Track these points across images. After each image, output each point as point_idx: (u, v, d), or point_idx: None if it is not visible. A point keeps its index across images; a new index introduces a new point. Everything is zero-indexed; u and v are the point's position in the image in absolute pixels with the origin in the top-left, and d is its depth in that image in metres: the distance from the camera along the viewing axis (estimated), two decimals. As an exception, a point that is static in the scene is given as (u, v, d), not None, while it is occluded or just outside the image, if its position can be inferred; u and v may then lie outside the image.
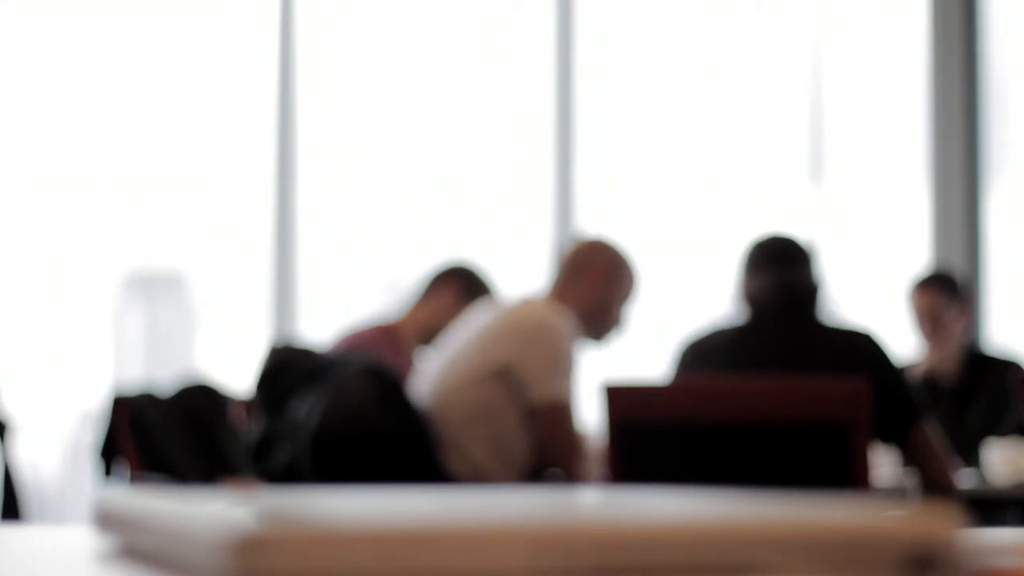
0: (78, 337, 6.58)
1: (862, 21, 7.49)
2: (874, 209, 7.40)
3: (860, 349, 3.55)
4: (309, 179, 6.79)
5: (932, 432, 3.63)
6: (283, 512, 0.57)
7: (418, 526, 0.55)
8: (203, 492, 0.73)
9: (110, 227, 6.61)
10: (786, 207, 7.23)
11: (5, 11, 6.58)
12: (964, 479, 4.20)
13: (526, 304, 4.09)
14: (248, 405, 4.19)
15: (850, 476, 3.21)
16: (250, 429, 4.07)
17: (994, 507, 4.41)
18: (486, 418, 3.99)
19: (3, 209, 6.51)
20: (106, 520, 0.74)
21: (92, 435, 4.47)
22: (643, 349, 5.68)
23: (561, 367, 3.98)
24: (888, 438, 3.58)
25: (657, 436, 3.34)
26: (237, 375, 4.66)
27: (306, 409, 3.83)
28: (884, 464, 3.88)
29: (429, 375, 4.12)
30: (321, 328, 5.99)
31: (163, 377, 5.02)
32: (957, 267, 6.68)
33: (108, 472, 4.25)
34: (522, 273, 6.43)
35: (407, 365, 4.47)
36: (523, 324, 4.01)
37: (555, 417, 3.98)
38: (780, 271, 3.67)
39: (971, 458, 4.69)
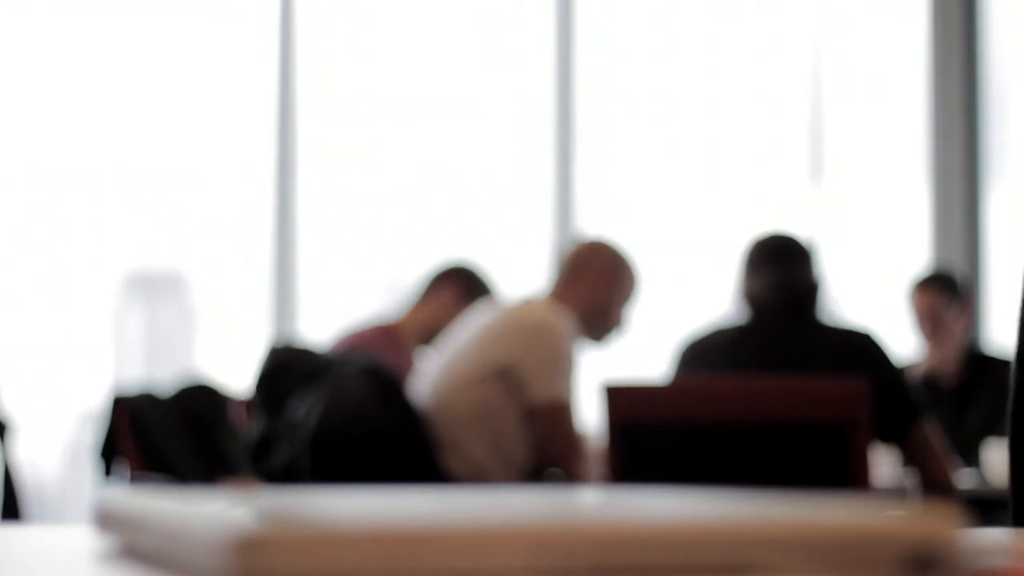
0: (78, 337, 6.58)
1: (862, 21, 7.49)
2: (874, 209, 7.40)
3: (860, 349, 3.55)
4: (309, 179, 6.79)
5: (932, 432, 3.63)
6: (283, 512, 0.57)
7: (418, 526, 0.55)
8: (203, 492, 0.73)
9: (110, 227, 6.61)
10: (786, 207, 7.23)
11: (5, 11, 6.58)
12: (964, 479, 4.20)
13: (526, 304, 4.09)
14: (248, 405, 4.19)
15: (850, 476, 3.21)
16: (250, 429, 4.07)
17: (994, 507, 4.41)
18: (486, 418, 3.99)
19: (3, 209, 6.51)
20: (106, 520, 0.74)
21: (92, 435, 4.47)
22: (643, 349, 5.68)
23: (561, 367, 3.98)
24: (888, 438, 3.58)
25: (657, 436, 3.34)
26: (237, 375, 4.66)
27: (305, 409, 3.83)
28: (884, 464, 3.88)
29: (429, 375, 4.12)
30: (321, 328, 5.99)
31: (163, 377, 5.02)
32: (957, 267, 6.68)
33: (108, 472, 4.25)
34: (522, 273, 6.42)
35: (407, 365, 4.47)
36: (523, 324, 4.01)
37: (555, 417, 3.98)
38: (780, 270, 3.67)
39: (971, 458, 4.69)
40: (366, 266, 6.85)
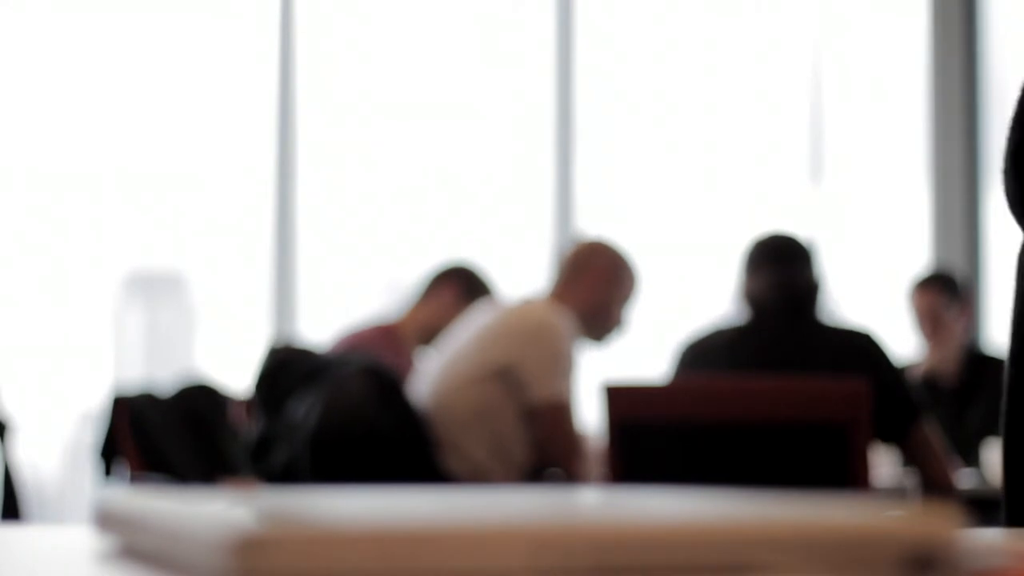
0: (78, 337, 6.58)
1: (862, 21, 7.49)
2: (874, 209, 7.40)
3: (860, 349, 3.55)
4: (309, 179, 6.79)
5: (932, 432, 3.63)
6: (283, 512, 0.57)
7: (418, 526, 0.55)
8: (203, 492, 0.73)
9: (110, 227, 6.61)
10: (786, 207, 7.23)
11: (5, 11, 6.58)
12: (964, 479, 4.20)
13: (526, 304, 4.09)
14: (248, 405, 4.19)
15: (850, 476, 3.21)
16: (249, 429, 4.07)
17: (994, 507, 4.40)
18: (486, 418, 3.99)
19: (3, 209, 6.51)
20: (106, 520, 0.74)
21: (92, 435, 4.47)
22: (643, 349, 5.68)
23: (561, 367, 3.98)
24: (888, 438, 3.58)
25: (657, 436, 3.34)
26: (237, 375, 4.66)
27: (305, 409, 3.83)
28: (884, 464, 3.88)
29: (429, 375, 4.12)
30: (321, 328, 5.99)
31: (163, 377, 5.02)
32: (957, 267, 6.68)
33: (108, 472, 4.25)
34: (522, 273, 6.42)
35: (407, 365, 4.47)
36: (523, 324, 4.01)
37: (555, 417, 3.98)
38: (780, 270, 3.67)
39: (971, 458, 4.69)
40: (366, 266, 6.85)
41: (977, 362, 5.24)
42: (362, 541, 0.54)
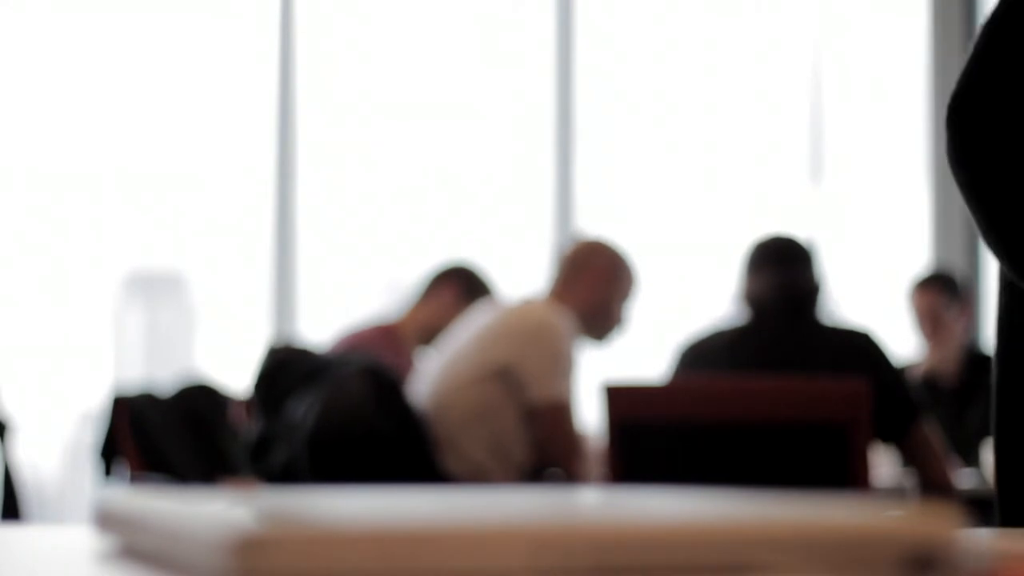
0: (78, 337, 6.59)
1: (862, 21, 7.49)
2: (874, 209, 7.40)
3: (860, 349, 3.55)
4: (309, 179, 6.79)
5: (932, 432, 3.63)
6: (283, 512, 0.57)
7: (418, 526, 0.55)
8: (203, 492, 0.73)
9: (110, 227, 6.61)
10: (786, 207, 7.23)
11: (5, 11, 6.58)
12: (964, 479, 4.20)
13: (526, 304, 4.09)
14: (247, 405, 4.19)
15: (850, 476, 3.21)
16: (249, 429, 4.07)
17: (993, 507, 4.40)
18: (486, 418, 3.99)
19: (3, 209, 6.51)
20: (106, 520, 0.74)
21: (92, 435, 4.47)
22: (643, 349, 5.68)
23: (561, 367, 3.98)
24: (888, 438, 3.59)
25: (657, 436, 3.34)
26: (237, 375, 4.66)
27: (304, 409, 3.83)
28: (884, 464, 3.88)
29: (429, 375, 4.12)
30: (321, 328, 5.99)
31: (163, 377, 5.02)
32: (957, 267, 6.68)
33: (108, 472, 4.25)
34: (522, 273, 6.42)
35: (407, 365, 4.47)
36: (523, 324, 4.01)
37: (555, 417, 3.98)
38: (781, 271, 3.67)
39: (971, 458, 4.69)
40: (366, 266, 6.85)
41: (977, 362, 5.24)
42: (362, 541, 0.54)
